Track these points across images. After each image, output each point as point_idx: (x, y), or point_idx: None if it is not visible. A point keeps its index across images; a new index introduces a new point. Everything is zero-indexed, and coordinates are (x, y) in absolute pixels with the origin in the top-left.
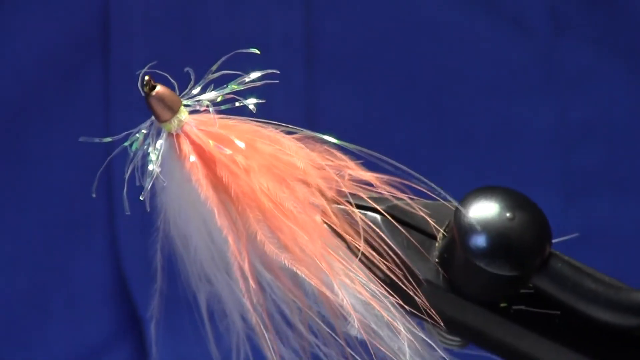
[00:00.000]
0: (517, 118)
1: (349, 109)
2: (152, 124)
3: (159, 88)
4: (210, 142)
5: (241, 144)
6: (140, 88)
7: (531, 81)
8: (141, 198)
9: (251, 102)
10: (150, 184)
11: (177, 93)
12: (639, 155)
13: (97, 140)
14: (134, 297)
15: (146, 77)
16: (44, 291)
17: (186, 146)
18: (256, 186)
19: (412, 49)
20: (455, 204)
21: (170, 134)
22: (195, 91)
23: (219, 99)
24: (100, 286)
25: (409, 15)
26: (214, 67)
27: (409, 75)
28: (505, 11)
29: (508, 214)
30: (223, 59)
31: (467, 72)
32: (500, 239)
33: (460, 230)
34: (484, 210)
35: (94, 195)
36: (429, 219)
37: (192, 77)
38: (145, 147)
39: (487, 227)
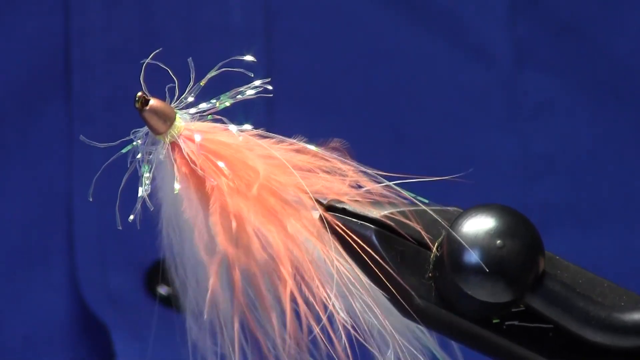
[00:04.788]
0: (478, 148)
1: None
2: (147, 134)
3: (152, 102)
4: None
5: (225, 170)
6: (134, 105)
7: (493, 111)
8: (138, 204)
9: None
10: (147, 193)
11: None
12: (600, 189)
13: (97, 144)
14: (99, 325)
15: (138, 94)
16: (0, 329)
17: (183, 155)
18: (250, 197)
19: (374, 78)
20: (446, 226)
21: (166, 145)
22: (189, 99)
23: (218, 105)
24: (60, 318)
25: (371, 45)
26: (211, 74)
27: (371, 104)
28: (468, 40)
29: (498, 242)
30: (220, 62)
31: (428, 101)
32: (490, 273)
33: (449, 258)
34: (473, 238)
35: (90, 199)
36: (423, 233)
37: (192, 83)
38: (143, 157)
39: (476, 260)
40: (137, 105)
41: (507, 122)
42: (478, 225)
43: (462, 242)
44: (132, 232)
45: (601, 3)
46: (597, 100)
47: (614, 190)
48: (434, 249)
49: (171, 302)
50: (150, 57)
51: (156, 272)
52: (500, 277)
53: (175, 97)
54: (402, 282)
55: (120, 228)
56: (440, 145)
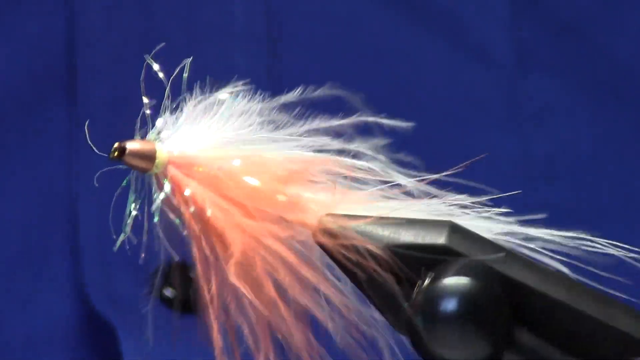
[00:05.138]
0: (478, 149)
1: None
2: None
3: (129, 147)
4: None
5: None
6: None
7: (493, 112)
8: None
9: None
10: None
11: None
12: (600, 190)
13: (95, 149)
14: (106, 326)
15: (115, 145)
16: (2, 330)
17: (175, 180)
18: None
19: (375, 79)
20: (407, 306)
21: (157, 175)
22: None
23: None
24: (64, 320)
25: (372, 46)
26: (188, 98)
27: (371, 104)
28: (469, 41)
29: (460, 321)
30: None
31: (428, 101)
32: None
33: (415, 325)
34: (438, 318)
35: (96, 184)
36: (396, 291)
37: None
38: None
39: (440, 337)
40: (114, 155)
41: (507, 123)
42: (443, 302)
43: (420, 327)
44: (134, 233)
45: (602, 4)
46: (597, 101)
47: (614, 191)
48: (413, 295)
49: (176, 305)
50: (152, 53)
51: (161, 274)
52: (465, 351)
53: (166, 115)
54: (381, 313)
55: (115, 249)
56: (440, 145)
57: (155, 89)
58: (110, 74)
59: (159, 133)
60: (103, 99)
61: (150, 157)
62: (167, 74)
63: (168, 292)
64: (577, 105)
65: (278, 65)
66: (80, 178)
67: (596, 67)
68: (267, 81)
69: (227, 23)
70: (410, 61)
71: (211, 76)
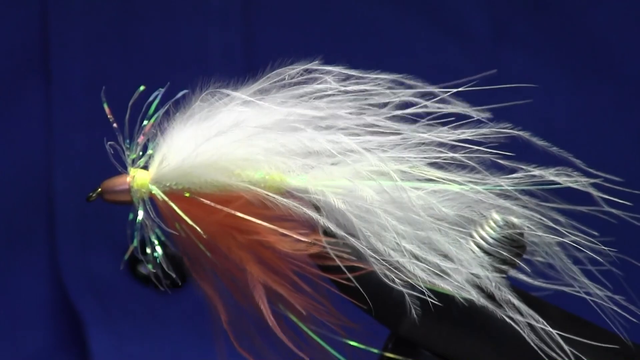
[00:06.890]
0: None
1: None
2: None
3: (105, 190)
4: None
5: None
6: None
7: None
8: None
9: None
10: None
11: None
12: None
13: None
14: (77, 308)
15: (92, 195)
16: None
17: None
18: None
19: (352, 56)
20: None
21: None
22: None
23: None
24: (40, 301)
25: (349, 24)
26: (154, 119)
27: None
28: (445, 19)
29: None
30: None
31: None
32: None
33: None
34: None
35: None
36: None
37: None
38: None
39: None
40: (91, 199)
41: (483, 99)
42: None
43: None
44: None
45: None
46: (574, 75)
47: (592, 165)
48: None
49: (152, 282)
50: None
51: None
52: None
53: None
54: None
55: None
56: None
57: (131, 77)
58: (87, 56)
59: (133, 161)
60: (80, 82)
61: (127, 192)
62: (143, 55)
63: (144, 269)
64: (554, 80)
65: (253, 43)
66: (56, 159)
67: (572, 41)
68: (242, 60)
69: (202, 2)
70: (388, 40)
71: (186, 55)
